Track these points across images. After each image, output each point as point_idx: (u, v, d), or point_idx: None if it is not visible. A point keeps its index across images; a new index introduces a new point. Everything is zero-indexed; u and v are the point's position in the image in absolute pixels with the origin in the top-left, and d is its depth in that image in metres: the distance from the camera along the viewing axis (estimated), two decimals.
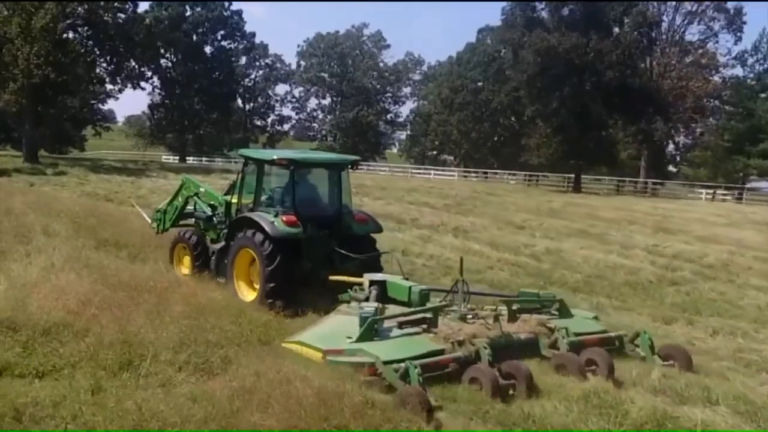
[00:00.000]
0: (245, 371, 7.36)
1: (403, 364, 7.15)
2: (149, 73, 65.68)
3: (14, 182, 28.26)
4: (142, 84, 69.01)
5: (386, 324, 8.28)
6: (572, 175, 48.29)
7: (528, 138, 47.62)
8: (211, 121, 78.32)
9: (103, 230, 15.37)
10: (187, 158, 72.52)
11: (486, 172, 63.04)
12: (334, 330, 8.33)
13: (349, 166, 11.51)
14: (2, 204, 18.73)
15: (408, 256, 15.79)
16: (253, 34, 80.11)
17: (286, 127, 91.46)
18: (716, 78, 50.43)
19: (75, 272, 10.60)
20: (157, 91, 74.05)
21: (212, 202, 12.35)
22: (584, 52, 39.86)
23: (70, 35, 40.46)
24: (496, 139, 69.45)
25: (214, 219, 12.00)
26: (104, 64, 42.94)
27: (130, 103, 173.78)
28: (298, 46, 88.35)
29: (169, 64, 72.35)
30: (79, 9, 39.36)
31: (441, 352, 7.77)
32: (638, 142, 46.57)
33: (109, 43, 39.79)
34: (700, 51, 49.07)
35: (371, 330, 7.92)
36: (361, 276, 9.79)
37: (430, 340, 8.08)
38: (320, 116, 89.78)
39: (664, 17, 46.72)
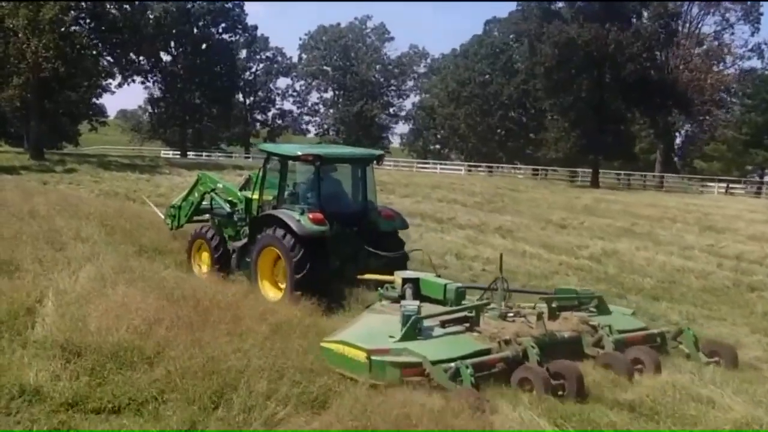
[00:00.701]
0: (355, 404, 6.47)
1: (452, 365, 6.89)
2: (150, 66, 64.64)
3: (26, 181, 27.08)
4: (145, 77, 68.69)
5: (427, 323, 7.90)
6: (583, 170, 47.77)
7: (545, 132, 46.57)
8: (211, 115, 77.09)
9: (140, 234, 14.39)
10: (187, 153, 71.25)
11: (490, 167, 62.18)
12: (373, 329, 7.96)
13: (375, 162, 11.29)
14: (24, 205, 17.69)
15: (462, 259, 14.93)
16: (255, 27, 79.04)
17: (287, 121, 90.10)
18: (732, 70, 49.64)
19: (130, 285, 9.69)
20: (157, 84, 72.70)
21: (231, 199, 12.05)
22: (604, 44, 38.93)
23: (74, 28, 39.10)
24: (503, 132, 68.55)
25: (235, 216, 11.68)
26: (109, 57, 41.63)
27: (120, 97, 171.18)
28: (300, 38, 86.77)
29: (169, 58, 71.07)
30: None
31: (488, 351, 7.51)
32: (657, 136, 45.67)
33: (116, 36, 38.53)
34: (716, 42, 48.24)
35: (415, 329, 7.60)
36: (388, 274, 9.53)
37: (475, 339, 7.81)
38: (322, 110, 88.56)
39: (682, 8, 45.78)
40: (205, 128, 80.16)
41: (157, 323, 8.25)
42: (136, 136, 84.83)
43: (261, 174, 11.19)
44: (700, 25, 47.81)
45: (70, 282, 10.10)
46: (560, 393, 6.86)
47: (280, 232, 10.01)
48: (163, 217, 14.53)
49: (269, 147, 11.94)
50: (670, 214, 24.56)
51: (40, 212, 16.63)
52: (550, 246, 16.86)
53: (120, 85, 55.13)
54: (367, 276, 9.85)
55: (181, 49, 70.04)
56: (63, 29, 33.91)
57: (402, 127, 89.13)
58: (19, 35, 34.23)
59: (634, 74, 39.16)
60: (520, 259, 15.06)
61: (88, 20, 39.52)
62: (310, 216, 9.86)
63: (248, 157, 73.89)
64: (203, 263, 12.05)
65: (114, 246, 13.10)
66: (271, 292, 10.34)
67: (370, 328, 7.99)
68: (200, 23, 71.62)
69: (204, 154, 74.09)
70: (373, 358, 7.12)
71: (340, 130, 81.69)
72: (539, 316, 8.23)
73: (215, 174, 14.76)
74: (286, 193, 10.77)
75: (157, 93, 74.14)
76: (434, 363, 6.94)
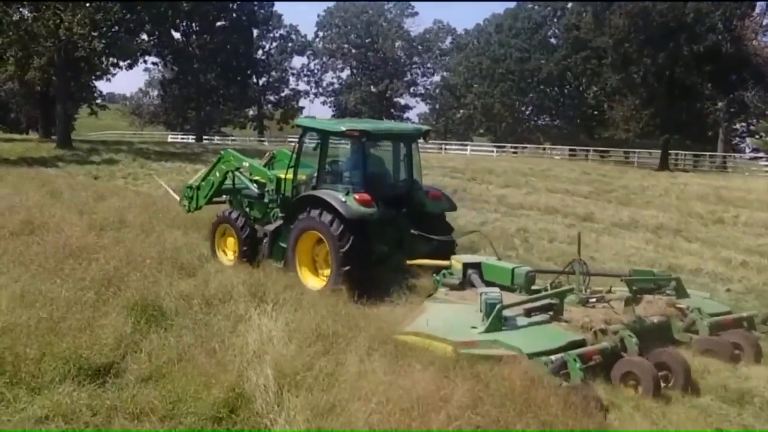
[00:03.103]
0: None
1: (552, 358, 6.24)
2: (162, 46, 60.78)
3: (74, 175, 23.78)
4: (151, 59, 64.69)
5: (507, 312, 7.12)
6: (638, 150, 44.93)
7: (611, 110, 43.27)
8: (227, 96, 73.33)
9: None
10: (203, 138, 67.67)
11: (516, 148, 59.05)
12: (447, 320, 7.32)
13: (421, 138, 10.68)
14: (105, 210, 14.50)
15: (677, 272, 11.87)
16: (272, 4, 75.02)
17: (302, 102, 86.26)
18: None
19: (360, 341, 6.68)
20: (170, 65, 68.75)
21: (258, 178, 11.11)
22: (681, 14, 35.63)
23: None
24: (537, 111, 65.33)
25: (266, 197, 10.72)
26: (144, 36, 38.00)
27: (106, 81, 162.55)
28: (318, 15, 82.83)
29: (180, 38, 66.98)
30: None
31: (583, 342, 6.72)
32: (730, 113, 42.40)
33: (152, 10, 34.95)
34: None
35: (500, 319, 6.92)
36: (437, 259, 9.06)
37: (565, 329, 7.07)
38: (339, 89, 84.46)
39: None
40: (218, 111, 76.54)
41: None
42: (136, 120, 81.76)
43: (296, 151, 10.35)
44: None
45: (261, 336, 7.16)
46: (663, 386, 6.23)
47: (323, 214, 9.24)
48: (178, 198, 13.43)
49: (307, 122, 11.04)
50: None
51: (130, 220, 13.43)
52: (761, 252, 13.81)
53: (130, 67, 51.18)
54: (418, 261, 9.22)
55: (195, 28, 65.80)
56: (100, 2, 30.30)
57: (419, 107, 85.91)
58: (46, 13, 30.77)
59: (717, 46, 35.80)
60: (741, 271, 12.08)
61: None
62: (357, 197, 9.15)
63: (263, 141, 70.58)
64: (228, 249, 11.14)
65: (262, 270, 10.04)
66: (312, 281, 9.60)
67: (444, 319, 7.32)
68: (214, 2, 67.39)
69: (216, 138, 70.88)
70: (461, 351, 6.49)
71: (361, 111, 77.92)
72: (627, 301, 7.60)
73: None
74: (326, 171, 10.02)
75: (164, 74, 70.39)
76: (530, 356, 6.28)
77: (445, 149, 60.42)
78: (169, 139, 66.24)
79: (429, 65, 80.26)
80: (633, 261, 12.24)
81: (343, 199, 9.14)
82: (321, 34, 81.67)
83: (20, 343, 6.75)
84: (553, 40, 63.83)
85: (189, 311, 8.15)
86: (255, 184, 11.10)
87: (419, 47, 78.79)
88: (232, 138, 73.77)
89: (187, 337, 7.18)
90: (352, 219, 9.01)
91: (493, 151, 58.67)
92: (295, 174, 10.29)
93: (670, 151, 42.16)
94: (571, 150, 56.97)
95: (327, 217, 9.19)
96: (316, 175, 10.02)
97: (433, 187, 10.68)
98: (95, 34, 30.20)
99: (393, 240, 9.74)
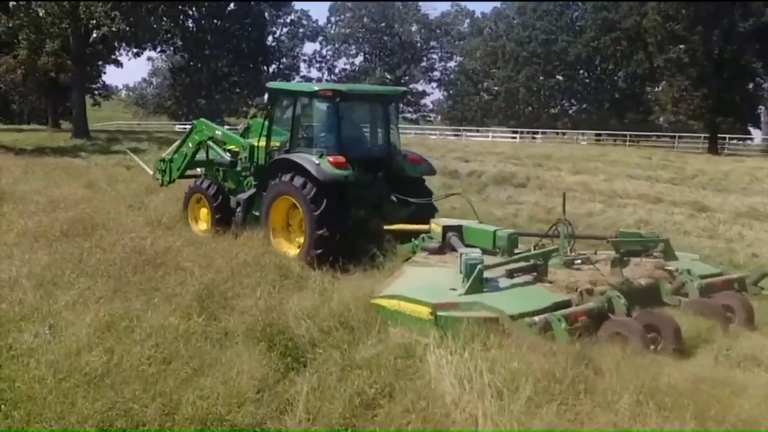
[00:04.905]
0: None
1: (536, 319, 5.90)
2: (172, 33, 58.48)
3: (101, 165, 21.69)
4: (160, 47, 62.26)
5: (488, 274, 6.74)
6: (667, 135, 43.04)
7: (655, 92, 41.08)
8: (238, 84, 71.07)
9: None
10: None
11: (534, 133, 56.97)
12: (426, 282, 6.94)
13: (399, 99, 10.73)
14: (159, 205, 12.41)
15: None
16: None
17: None
18: None
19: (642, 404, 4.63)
20: (179, 53, 66.48)
21: (231, 147, 10.82)
22: None
23: None
24: (556, 96, 63.06)
25: (238, 165, 10.40)
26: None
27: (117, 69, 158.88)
28: None
29: (193, 23, 64.60)
30: None
31: (568, 303, 6.42)
32: None
33: None
34: None
35: (481, 280, 6.53)
36: (415, 224, 8.88)
37: (549, 290, 6.76)
38: (352, 76, 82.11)
39: None
40: (228, 99, 74.37)
41: None
42: (140, 111, 79.94)
43: (268, 117, 10.04)
44: None
45: (457, 381, 5.14)
46: (652, 348, 5.89)
47: (296, 178, 8.92)
48: (151, 172, 13.27)
49: (279, 85, 11.00)
50: None
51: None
52: None
53: (138, 55, 48.89)
54: (397, 226, 9.01)
55: (204, 12, 63.33)
56: None
57: (435, 93, 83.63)
58: None
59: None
60: None
61: None
62: (331, 159, 8.87)
63: None
64: (202, 220, 10.93)
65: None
66: (287, 248, 9.30)
67: (422, 281, 7.03)
68: None
69: (227, 127, 68.55)
70: (439, 313, 6.07)
71: None
72: (614, 262, 7.35)
73: None
74: (299, 135, 9.71)
75: (172, 62, 68.18)
76: (513, 317, 5.91)
77: (466, 135, 58.67)
78: (177, 129, 64.43)
79: (447, 49, 77.87)
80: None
81: (317, 162, 8.82)
82: (333, 19, 79.29)
83: (129, 397, 4.77)
84: (580, 22, 61.52)
85: (329, 340, 6.15)
86: (228, 153, 10.73)
87: (437, 30, 76.33)
88: (241, 126, 71.80)
89: (356, 380, 5.15)
90: (326, 182, 8.69)
91: (515, 137, 56.96)
92: (268, 140, 9.95)
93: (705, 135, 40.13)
94: (597, 135, 55.33)
95: (299, 181, 8.85)
96: (289, 139, 9.67)
97: (411, 150, 10.37)
98: (116, 13, 28.03)
99: (370, 204, 9.44)
